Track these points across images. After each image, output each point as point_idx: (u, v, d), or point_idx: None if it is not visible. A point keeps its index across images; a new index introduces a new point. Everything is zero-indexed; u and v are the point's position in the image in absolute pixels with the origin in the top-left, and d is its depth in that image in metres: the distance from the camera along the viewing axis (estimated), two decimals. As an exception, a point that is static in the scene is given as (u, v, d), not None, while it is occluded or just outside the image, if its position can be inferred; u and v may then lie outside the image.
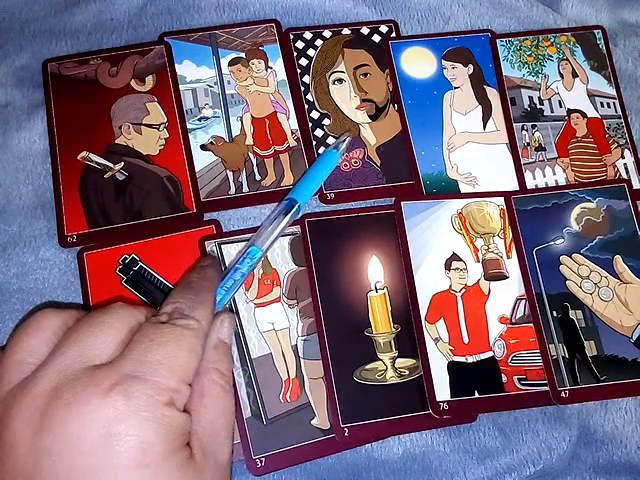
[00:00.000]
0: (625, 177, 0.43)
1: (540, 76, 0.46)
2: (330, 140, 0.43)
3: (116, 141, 0.41)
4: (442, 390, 0.37)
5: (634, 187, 0.43)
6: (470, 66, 0.46)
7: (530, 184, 0.43)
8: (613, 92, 0.46)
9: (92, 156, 0.41)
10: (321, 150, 0.42)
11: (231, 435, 0.30)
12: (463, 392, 0.37)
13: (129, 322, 0.29)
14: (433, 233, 0.40)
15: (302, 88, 0.44)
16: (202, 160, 0.42)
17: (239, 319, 0.38)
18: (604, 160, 0.44)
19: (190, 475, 0.26)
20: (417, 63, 0.45)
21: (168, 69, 0.43)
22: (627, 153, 0.44)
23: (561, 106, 0.45)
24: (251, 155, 0.42)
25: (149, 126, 0.42)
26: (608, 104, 0.45)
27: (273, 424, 0.36)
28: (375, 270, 0.39)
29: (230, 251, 0.39)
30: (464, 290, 0.39)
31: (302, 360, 0.38)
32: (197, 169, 0.41)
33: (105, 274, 0.38)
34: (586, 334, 0.39)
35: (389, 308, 0.39)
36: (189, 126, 0.42)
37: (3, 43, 0.45)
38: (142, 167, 0.41)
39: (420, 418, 0.37)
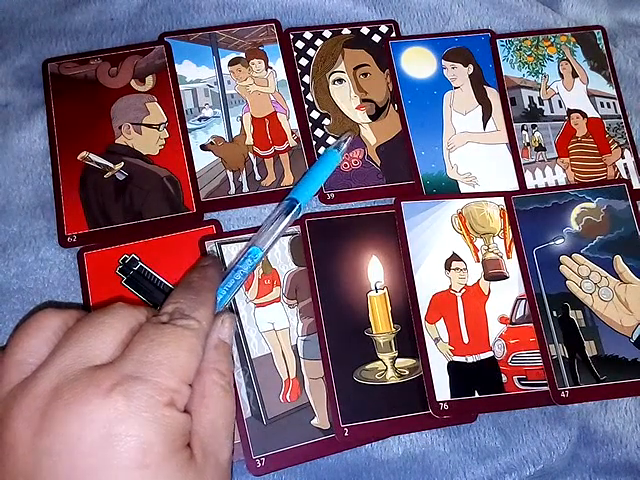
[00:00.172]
0: (625, 177, 0.43)
1: (540, 76, 0.46)
2: (330, 140, 0.43)
3: (116, 141, 0.41)
4: (442, 390, 0.37)
5: (634, 187, 0.43)
6: (470, 66, 0.46)
7: (530, 184, 0.43)
8: (613, 92, 0.46)
9: (92, 156, 0.41)
10: (321, 150, 0.42)
11: (232, 435, 0.30)
12: (463, 392, 0.37)
13: (129, 322, 0.29)
14: (433, 233, 0.40)
15: (302, 88, 0.44)
16: (202, 160, 0.42)
17: (239, 319, 0.38)
18: (604, 160, 0.44)
19: (191, 475, 0.26)
20: (417, 63, 0.45)
21: (168, 69, 0.43)
22: (627, 153, 0.44)
23: (561, 106, 0.45)
24: (251, 155, 0.42)
25: (149, 126, 0.42)
26: (608, 104, 0.45)
27: (273, 424, 0.36)
28: (375, 270, 0.39)
29: (230, 251, 0.39)
30: (464, 290, 0.39)
31: (302, 360, 0.38)
32: (197, 169, 0.41)
33: (105, 274, 0.38)
34: (586, 334, 0.39)
35: (389, 308, 0.39)
36: (189, 126, 0.42)
37: (3, 43, 0.45)
38: (142, 167, 0.41)
39: (420, 418, 0.37)
